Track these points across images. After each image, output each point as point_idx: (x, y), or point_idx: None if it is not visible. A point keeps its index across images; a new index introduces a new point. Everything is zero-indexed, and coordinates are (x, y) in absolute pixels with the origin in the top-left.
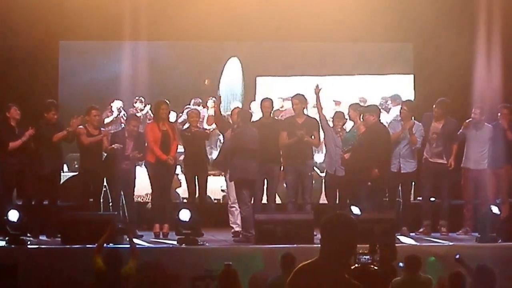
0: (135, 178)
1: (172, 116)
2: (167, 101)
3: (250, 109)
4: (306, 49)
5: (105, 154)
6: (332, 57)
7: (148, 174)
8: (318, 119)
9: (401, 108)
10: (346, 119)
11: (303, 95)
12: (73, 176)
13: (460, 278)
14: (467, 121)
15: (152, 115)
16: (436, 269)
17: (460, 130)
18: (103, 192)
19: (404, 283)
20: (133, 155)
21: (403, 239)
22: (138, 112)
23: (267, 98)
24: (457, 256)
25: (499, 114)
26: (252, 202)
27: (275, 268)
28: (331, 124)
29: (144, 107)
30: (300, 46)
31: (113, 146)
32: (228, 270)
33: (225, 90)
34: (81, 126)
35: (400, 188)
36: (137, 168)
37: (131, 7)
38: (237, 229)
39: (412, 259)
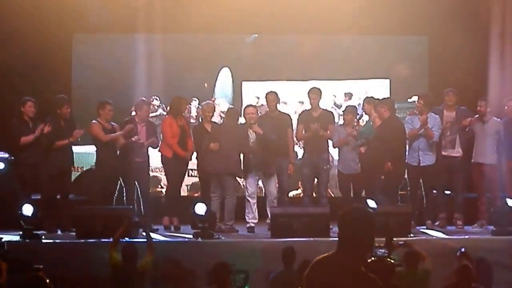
0: (149, 171)
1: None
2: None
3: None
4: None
5: (120, 150)
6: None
7: (164, 168)
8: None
9: (417, 102)
10: (358, 113)
11: (319, 89)
12: (89, 170)
13: (468, 271)
14: (474, 117)
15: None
16: None
17: (468, 127)
18: (118, 186)
19: (405, 276)
20: (149, 143)
21: (429, 232)
22: (155, 111)
23: (271, 91)
24: (462, 250)
25: (505, 107)
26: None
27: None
28: (341, 120)
29: (160, 104)
30: (285, 50)
31: (132, 139)
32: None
33: (218, 93)
34: (94, 121)
35: (421, 181)
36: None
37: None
38: (252, 224)
39: (411, 253)
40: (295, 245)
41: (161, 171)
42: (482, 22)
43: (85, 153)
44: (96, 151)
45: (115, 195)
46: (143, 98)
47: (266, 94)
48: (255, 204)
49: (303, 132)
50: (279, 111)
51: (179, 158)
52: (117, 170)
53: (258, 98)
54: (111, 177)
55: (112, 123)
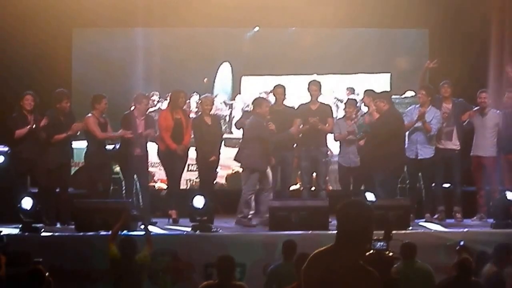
0: (148, 164)
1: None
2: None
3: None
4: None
5: (119, 142)
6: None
7: (161, 162)
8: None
9: (419, 93)
10: (359, 106)
11: (319, 81)
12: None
13: (468, 264)
14: (473, 109)
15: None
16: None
17: (467, 120)
18: (112, 179)
19: (403, 269)
20: (146, 133)
21: (428, 225)
22: (154, 106)
23: (279, 84)
24: (462, 243)
25: (505, 99)
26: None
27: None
28: (342, 112)
29: (159, 99)
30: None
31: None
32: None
33: (218, 87)
34: (90, 115)
35: (420, 174)
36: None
37: None
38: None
39: (407, 246)
40: (294, 238)
41: (157, 166)
42: (483, 14)
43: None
44: (87, 145)
45: (112, 187)
46: (142, 92)
47: (275, 87)
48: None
49: (301, 126)
50: (285, 105)
51: (173, 152)
52: (106, 162)
53: (260, 93)
54: (101, 169)
55: (104, 115)
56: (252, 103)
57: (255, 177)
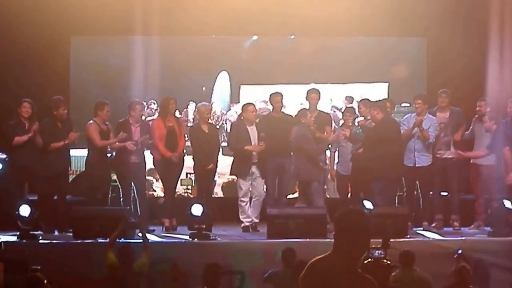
0: (145, 172)
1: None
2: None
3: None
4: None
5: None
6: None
7: (157, 171)
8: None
9: (415, 103)
10: (357, 114)
11: (318, 89)
12: (83, 172)
13: (466, 272)
14: (474, 117)
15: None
16: None
17: (470, 128)
18: (111, 186)
19: (401, 277)
20: (142, 141)
21: (426, 234)
22: (153, 114)
23: (277, 92)
24: (460, 252)
25: (509, 108)
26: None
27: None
28: (341, 121)
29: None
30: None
31: (126, 145)
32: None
33: (216, 96)
34: (91, 122)
35: (418, 182)
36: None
37: (142, 1)
38: (247, 223)
39: (406, 254)
40: (293, 246)
41: (152, 175)
42: (481, 23)
43: (83, 157)
44: (88, 153)
45: (110, 195)
46: (136, 99)
47: (272, 94)
48: (247, 204)
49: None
50: (283, 112)
51: (169, 160)
52: (106, 170)
53: (259, 101)
54: (101, 177)
55: (107, 122)
56: (241, 109)
57: (308, 187)
